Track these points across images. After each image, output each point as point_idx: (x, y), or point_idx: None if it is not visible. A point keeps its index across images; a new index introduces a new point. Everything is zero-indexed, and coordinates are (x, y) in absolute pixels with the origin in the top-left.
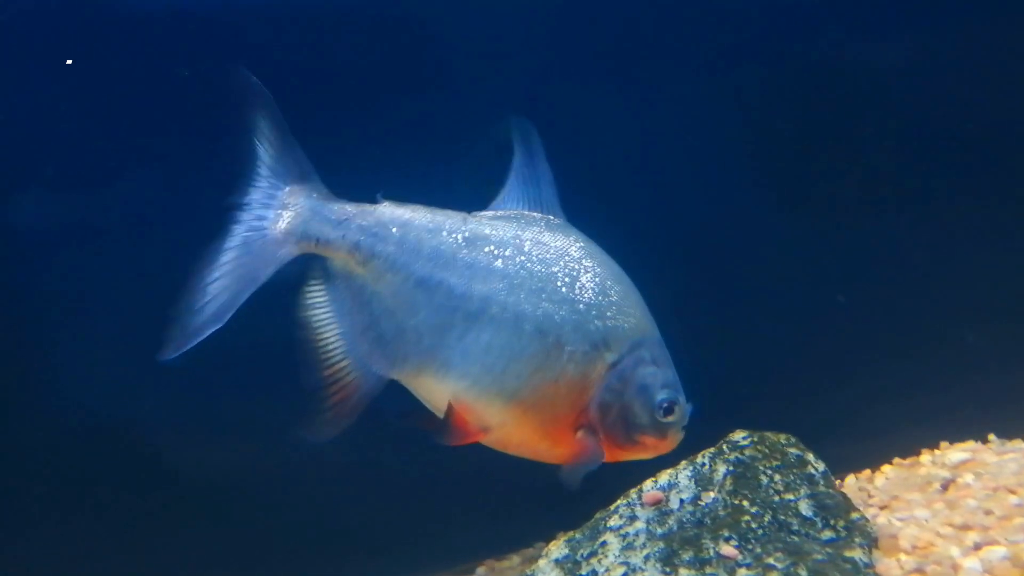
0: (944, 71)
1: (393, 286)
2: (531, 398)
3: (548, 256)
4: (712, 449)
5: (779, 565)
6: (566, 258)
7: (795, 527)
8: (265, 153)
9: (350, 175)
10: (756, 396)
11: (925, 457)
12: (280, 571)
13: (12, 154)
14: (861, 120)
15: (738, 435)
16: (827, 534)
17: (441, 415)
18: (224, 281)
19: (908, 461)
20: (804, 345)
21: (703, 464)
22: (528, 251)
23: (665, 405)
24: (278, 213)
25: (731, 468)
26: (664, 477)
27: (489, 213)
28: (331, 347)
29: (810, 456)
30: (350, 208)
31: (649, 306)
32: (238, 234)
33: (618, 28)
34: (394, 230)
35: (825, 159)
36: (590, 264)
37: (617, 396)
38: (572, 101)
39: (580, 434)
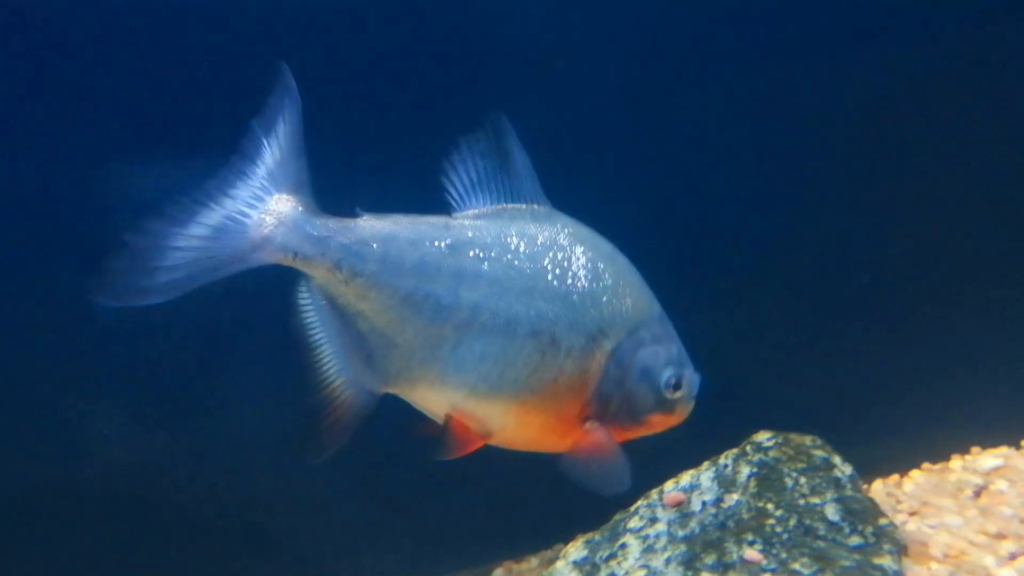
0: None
1: (378, 304)
2: (532, 400)
3: (536, 250)
4: (735, 450)
5: (805, 571)
6: (555, 248)
7: (821, 532)
8: (270, 155)
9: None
10: (781, 397)
11: (956, 462)
12: (297, 570)
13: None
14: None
15: (762, 436)
16: (855, 540)
17: (442, 423)
18: (186, 255)
19: (938, 466)
20: (831, 346)
21: (726, 465)
22: (515, 248)
23: (673, 382)
24: (261, 217)
25: (755, 470)
26: (686, 478)
27: (472, 212)
28: (323, 368)
29: (837, 459)
30: (332, 224)
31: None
32: (216, 217)
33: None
34: (375, 246)
35: (859, 155)
36: (581, 250)
37: (618, 384)
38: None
39: (587, 425)
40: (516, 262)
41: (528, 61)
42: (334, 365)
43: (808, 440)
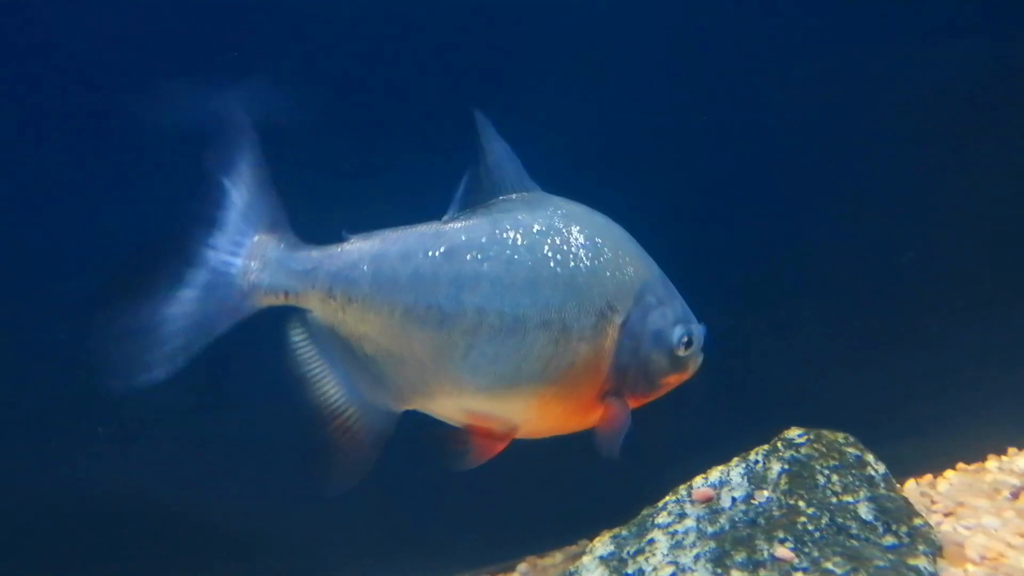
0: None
1: (379, 325)
2: (551, 388)
3: (534, 239)
4: (766, 446)
5: (838, 571)
6: (552, 233)
7: (854, 531)
8: (239, 197)
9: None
10: (812, 394)
11: (992, 463)
12: (327, 566)
13: None
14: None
15: (793, 432)
16: (889, 540)
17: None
18: (181, 323)
19: (974, 467)
20: (864, 343)
21: (756, 462)
22: (512, 242)
23: (685, 340)
24: (246, 263)
25: (786, 467)
26: (715, 474)
27: (461, 214)
28: (331, 399)
29: (870, 457)
30: (316, 254)
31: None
32: (202, 275)
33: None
34: (365, 267)
35: (896, 153)
36: (577, 229)
37: (633, 353)
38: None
39: (607, 400)
40: (516, 256)
41: (519, 63)
42: (342, 394)
43: (841, 437)
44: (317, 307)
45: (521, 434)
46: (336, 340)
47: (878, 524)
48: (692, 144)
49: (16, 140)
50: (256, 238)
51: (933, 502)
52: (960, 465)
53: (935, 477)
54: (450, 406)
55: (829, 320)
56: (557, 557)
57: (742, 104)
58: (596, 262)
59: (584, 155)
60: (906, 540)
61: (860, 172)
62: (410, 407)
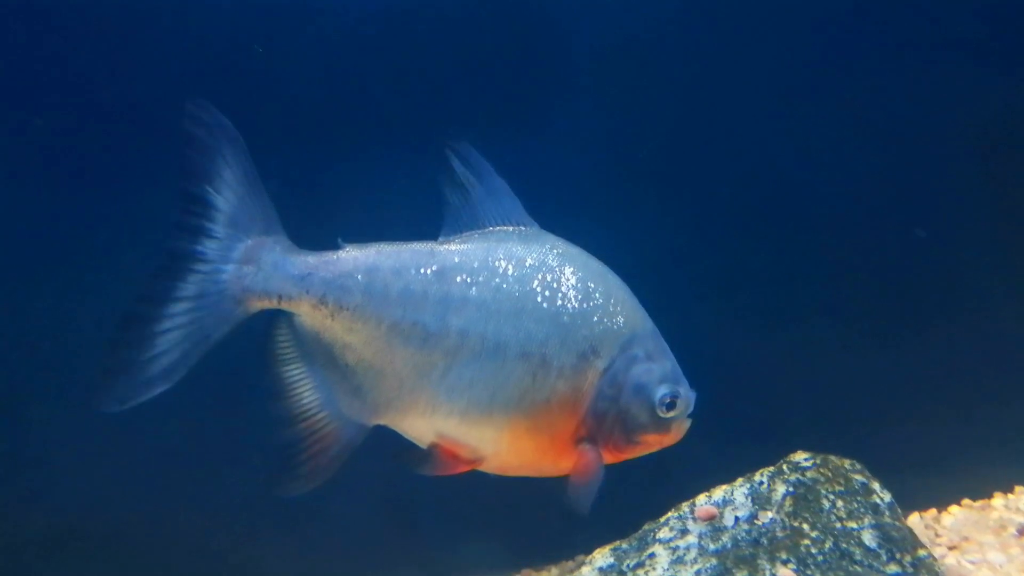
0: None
1: (365, 336)
2: (524, 423)
3: (525, 271)
4: (771, 468)
5: None
6: (544, 269)
7: (857, 557)
8: (226, 202)
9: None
10: (818, 421)
11: (998, 500)
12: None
13: None
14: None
15: (800, 456)
16: (892, 568)
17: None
18: (175, 336)
19: (979, 503)
20: (873, 372)
21: (761, 483)
22: (503, 271)
23: (667, 400)
24: (239, 268)
25: (791, 489)
26: (719, 493)
27: (457, 237)
28: (306, 402)
29: (876, 485)
30: (312, 260)
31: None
32: (192, 284)
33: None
34: (359, 277)
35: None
36: (570, 270)
37: (612, 402)
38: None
39: (580, 446)
40: (504, 285)
41: (517, 77)
42: (317, 399)
43: (847, 463)
44: (307, 312)
45: (489, 467)
46: (320, 346)
47: (882, 552)
48: (702, 166)
49: None
50: (249, 242)
51: (937, 535)
52: (965, 501)
53: (939, 512)
54: (421, 425)
55: (839, 348)
56: (553, 571)
57: (747, 124)
58: (585, 304)
59: (583, 181)
60: (910, 570)
61: (874, 199)
62: (382, 422)
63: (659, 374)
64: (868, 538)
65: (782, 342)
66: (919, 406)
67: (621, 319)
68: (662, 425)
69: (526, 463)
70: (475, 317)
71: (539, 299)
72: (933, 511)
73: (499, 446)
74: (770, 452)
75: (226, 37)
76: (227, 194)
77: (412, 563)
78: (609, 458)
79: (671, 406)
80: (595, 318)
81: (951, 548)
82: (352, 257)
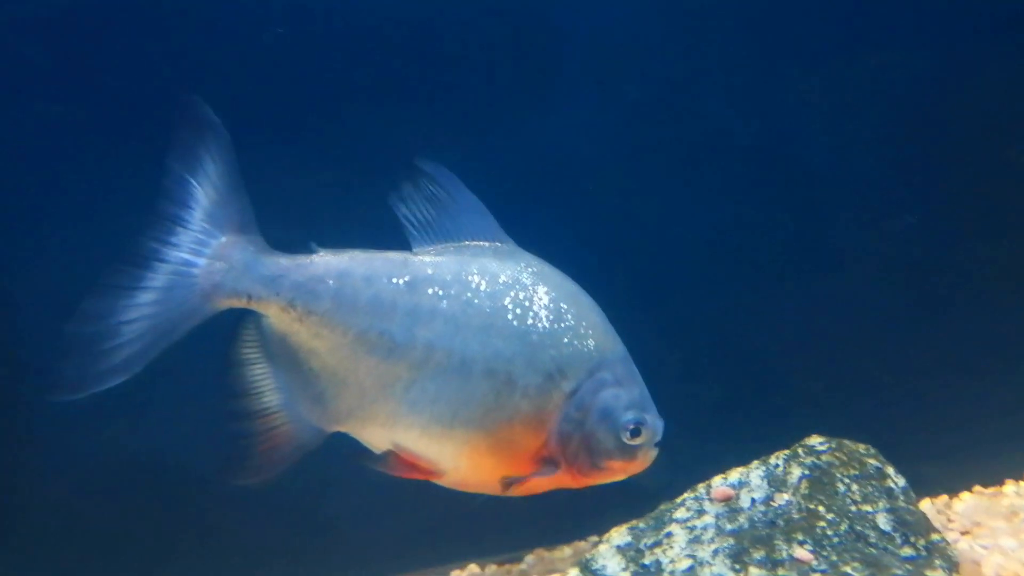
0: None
1: (331, 342)
2: (485, 441)
3: (497, 288)
4: (786, 451)
5: (856, 575)
6: (516, 287)
7: (872, 539)
8: (206, 196)
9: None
10: (828, 407)
11: (1009, 487)
12: (336, 553)
13: None
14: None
15: (815, 440)
16: (907, 551)
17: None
18: (139, 326)
19: (990, 490)
20: (885, 361)
21: (776, 465)
22: (475, 286)
23: (631, 427)
24: (210, 263)
25: (807, 472)
26: (735, 475)
27: (433, 248)
28: (265, 402)
29: (890, 470)
30: (284, 262)
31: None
32: (162, 275)
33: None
34: (330, 283)
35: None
36: (543, 290)
37: (577, 425)
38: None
39: (539, 465)
40: (475, 300)
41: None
42: (277, 400)
43: (862, 448)
44: (275, 314)
45: (448, 482)
46: (285, 349)
47: (896, 535)
48: (723, 146)
49: None
50: (223, 239)
51: (950, 520)
52: (976, 488)
53: (951, 498)
54: (381, 436)
55: (850, 334)
56: (566, 551)
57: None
58: (555, 325)
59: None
60: (924, 553)
61: (887, 183)
62: (341, 429)
63: (626, 400)
64: (883, 521)
65: (792, 328)
66: (931, 393)
67: (591, 342)
68: (627, 452)
69: (485, 481)
70: (443, 331)
71: (509, 316)
72: (944, 497)
73: (459, 462)
74: (779, 438)
75: (206, 37)
76: (208, 188)
77: (424, 539)
78: (574, 483)
79: (636, 433)
80: (565, 339)
81: (963, 533)
82: (324, 262)
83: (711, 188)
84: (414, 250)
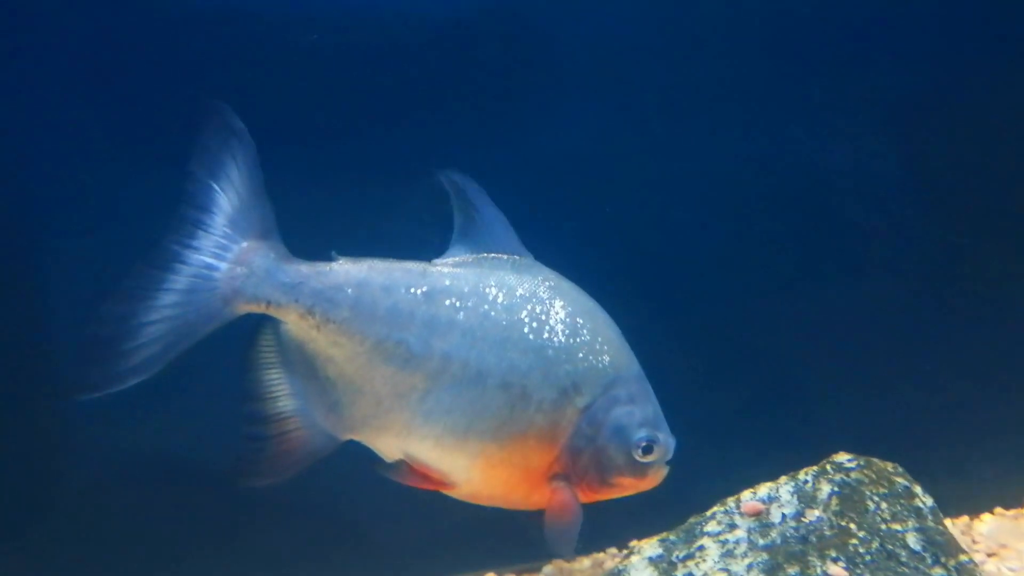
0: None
1: (348, 351)
2: (498, 454)
3: (514, 301)
4: (814, 468)
5: None
6: (533, 301)
7: (904, 559)
8: (228, 202)
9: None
10: (846, 427)
11: None
12: (357, 559)
13: None
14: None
15: (843, 457)
16: (938, 571)
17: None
18: (159, 328)
19: (1012, 512)
20: (905, 379)
21: (805, 481)
22: (492, 299)
23: (644, 444)
24: (232, 268)
25: (836, 489)
26: (764, 489)
27: (451, 260)
28: (280, 407)
29: (918, 489)
30: (304, 269)
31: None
32: (183, 278)
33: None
34: (349, 291)
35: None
36: (560, 304)
37: (589, 441)
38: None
39: (554, 483)
40: (492, 312)
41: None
42: (292, 406)
43: (890, 466)
44: (293, 321)
45: (459, 494)
46: (302, 356)
47: (927, 555)
48: (752, 162)
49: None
50: (245, 244)
51: (974, 541)
52: (998, 509)
53: (971, 519)
54: (395, 446)
55: (870, 353)
56: (585, 563)
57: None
58: (571, 340)
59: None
60: (954, 574)
61: (908, 196)
62: (355, 437)
63: (640, 417)
64: (912, 541)
65: (811, 339)
66: (951, 413)
67: (607, 358)
68: (638, 469)
69: (497, 494)
70: (459, 343)
71: (526, 330)
72: (965, 518)
73: (471, 475)
74: (796, 451)
75: (223, 46)
76: (231, 194)
77: (443, 550)
78: (583, 497)
79: (648, 450)
80: (580, 354)
81: (990, 555)
82: (344, 270)
83: (730, 196)
84: (433, 260)
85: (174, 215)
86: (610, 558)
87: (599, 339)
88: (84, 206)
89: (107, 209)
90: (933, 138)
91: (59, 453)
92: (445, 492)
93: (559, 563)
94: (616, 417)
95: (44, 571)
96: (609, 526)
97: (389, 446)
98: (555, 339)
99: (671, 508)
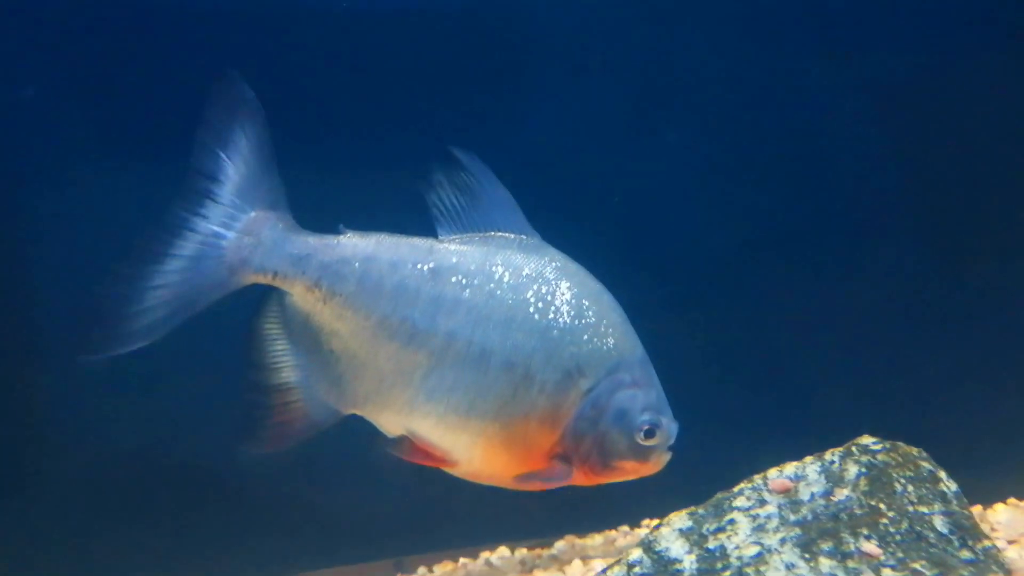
0: None
1: (353, 325)
2: (500, 434)
3: (520, 281)
4: (839, 449)
5: (928, 572)
6: (539, 281)
7: (932, 540)
8: (237, 171)
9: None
10: (860, 415)
11: None
12: (368, 535)
13: None
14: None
15: (868, 439)
16: (966, 554)
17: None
18: (165, 293)
19: None
20: (918, 370)
21: (832, 462)
22: (499, 278)
23: (646, 428)
24: (239, 238)
25: (864, 470)
26: (790, 468)
27: (458, 237)
28: (283, 377)
29: (942, 474)
30: (312, 241)
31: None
32: (191, 245)
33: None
34: (356, 265)
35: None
36: (566, 286)
37: (592, 424)
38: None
39: (552, 461)
40: (498, 292)
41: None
42: (295, 377)
43: (915, 451)
44: (300, 293)
45: (460, 472)
46: (307, 329)
47: (954, 538)
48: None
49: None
50: (253, 214)
51: (993, 529)
52: (1011, 500)
53: (984, 509)
54: (397, 423)
55: (883, 342)
56: (597, 539)
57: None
58: (576, 322)
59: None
60: (982, 558)
61: (923, 196)
62: (357, 412)
63: (643, 402)
64: (939, 524)
65: (822, 332)
66: (963, 404)
67: (611, 341)
68: (640, 453)
69: (497, 474)
70: (464, 321)
71: (531, 310)
72: (979, 507)
73: (472, 453)
74: (816, 437)
75: (230, 32)
76: (239, 164)
77: (456, 521)
78: (584, 480)
79: (651, 434)
80: (585, 337)
81: (1010, 542)
82: (352, 244)
83: (741, 187)
84: (440, 237)
85: (182, 183)
86: (622, 536)
87: (604, 322)
88: (78, 198)
89: (103, 202)
90: (946, 138)
91: (58, 426)
92: (446, 470)
93: (571, 538)
94: (619, 401)
95: (43, 571)
96: (622, 504)
97: (391, 422)
98: (560, 320)
99: (685, 489)
